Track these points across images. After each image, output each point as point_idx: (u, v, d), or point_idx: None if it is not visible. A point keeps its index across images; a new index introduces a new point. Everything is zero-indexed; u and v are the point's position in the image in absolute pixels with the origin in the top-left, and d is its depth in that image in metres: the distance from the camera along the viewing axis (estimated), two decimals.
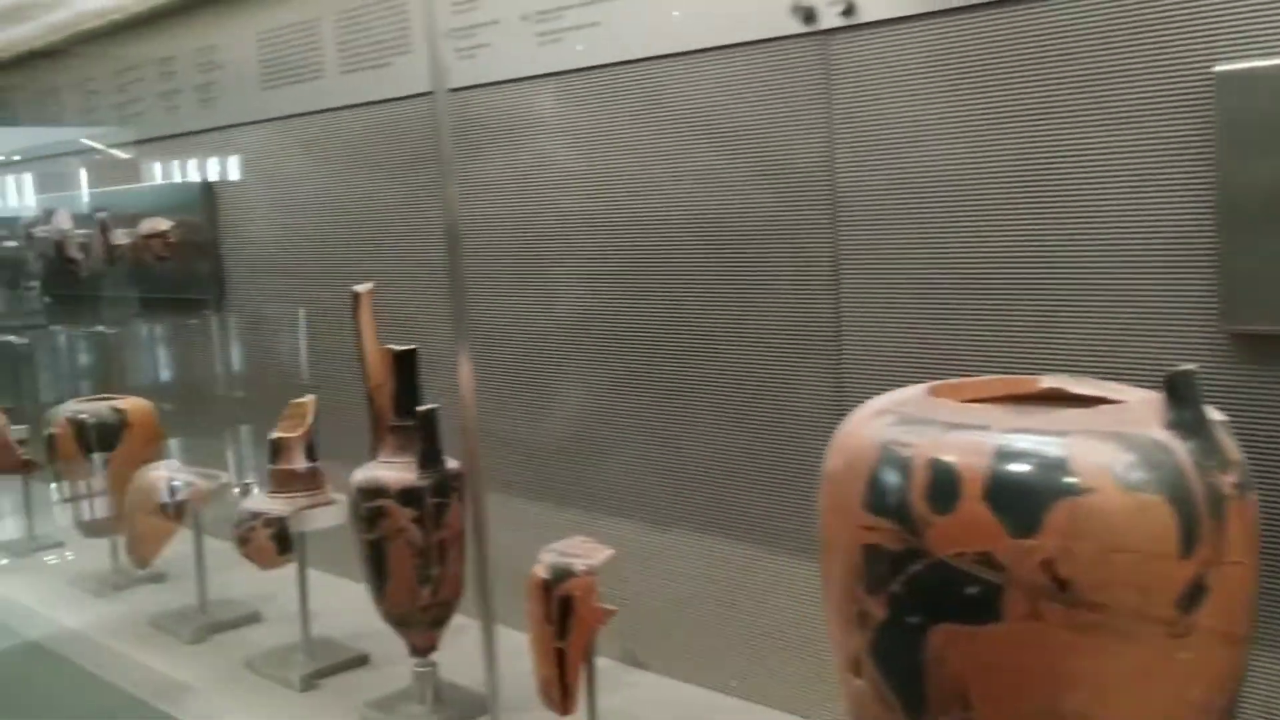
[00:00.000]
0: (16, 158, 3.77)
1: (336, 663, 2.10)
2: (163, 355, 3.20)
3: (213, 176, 2.86)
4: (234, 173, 2.79)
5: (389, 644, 2.10)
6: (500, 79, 2.09)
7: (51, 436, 2.61)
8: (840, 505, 1.16)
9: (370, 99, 2.36)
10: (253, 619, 2.38)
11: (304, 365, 2.87)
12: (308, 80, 2.51)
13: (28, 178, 3.74)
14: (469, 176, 2.19)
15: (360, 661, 2.12)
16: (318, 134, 2.53)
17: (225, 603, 2.41)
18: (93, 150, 3.33)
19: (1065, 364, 1.46)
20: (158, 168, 3.08)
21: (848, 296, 1.69)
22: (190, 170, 2.93)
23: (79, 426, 2.58)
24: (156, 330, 3.21)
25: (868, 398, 1.66)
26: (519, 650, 2.05)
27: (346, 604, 2.34)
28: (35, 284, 4.06)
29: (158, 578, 2.62)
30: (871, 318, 1.67)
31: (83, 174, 3.39)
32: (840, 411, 1.71)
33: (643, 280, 1.94)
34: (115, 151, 3.24)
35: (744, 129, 1.77)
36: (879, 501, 1.10)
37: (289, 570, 2.08)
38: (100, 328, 3.55)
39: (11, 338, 3.80)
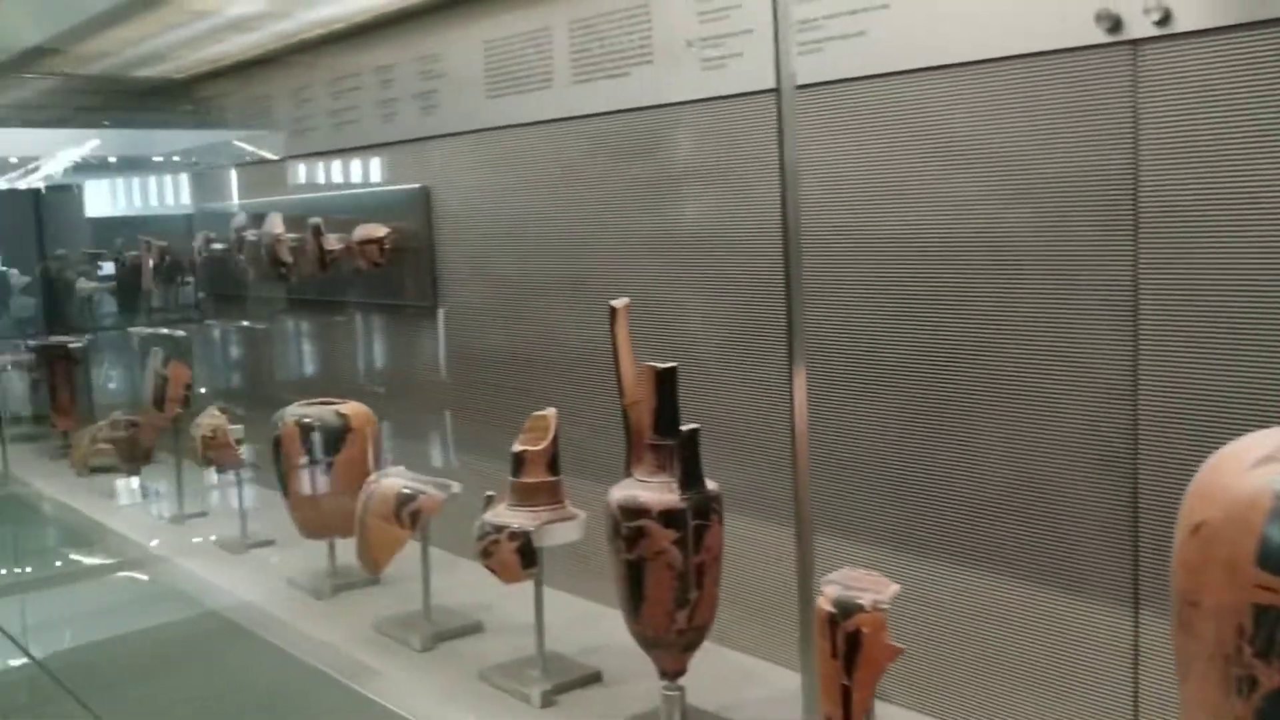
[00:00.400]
0: (227, 162, 3.88)
1: (571, 679, 2.07)
2: (378, 355, 3.25)
3: (431, 183, 2.88)
4: (454, 179, 2.80)
5: (619, 661, 2.08)
6: (751, 90, 2.04)
7: (277, 439, 2.66)
8: (1218, 560, 1.07)
9: (606, 109, 2.33)
10: (475, 629, 2.38)
11: (442, 365, 2.87)
12: (535, 89, 2.50)
13: (239, 181, 3.85)
14: (716, 195, 2.15)
15: (594, 679, 2.09)
16: (547, 142, 2.51)
17: (445, 610, 2.41)
18: (306, 155, 3.39)
19: None
20: (375, 172, 3.12)
21: (1146, 327, 1.59)
22: (409, 176, 2.95)
23: (304, 429, 2.62)
24: (372, 331, 3.26)
25: (1164, 436, 1.58)
26: (750, 672, 2.02)
27: (568, 618, 2.33)
28: (190, 279, 4.19)
29: (372, 581, 2.64)
30: (1173, 351, 1.56)
31: (297, 178, 3.46)
32: (1132, 449, 1.62)
33: (915, 302, 1.86)
34: (305, 156, 3.31)
35: (1035, 144, 1.68)
36: (1276, 559, 1.01)
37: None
38: (250, 324, 3.63)
39: (164, 330, 3.92)
